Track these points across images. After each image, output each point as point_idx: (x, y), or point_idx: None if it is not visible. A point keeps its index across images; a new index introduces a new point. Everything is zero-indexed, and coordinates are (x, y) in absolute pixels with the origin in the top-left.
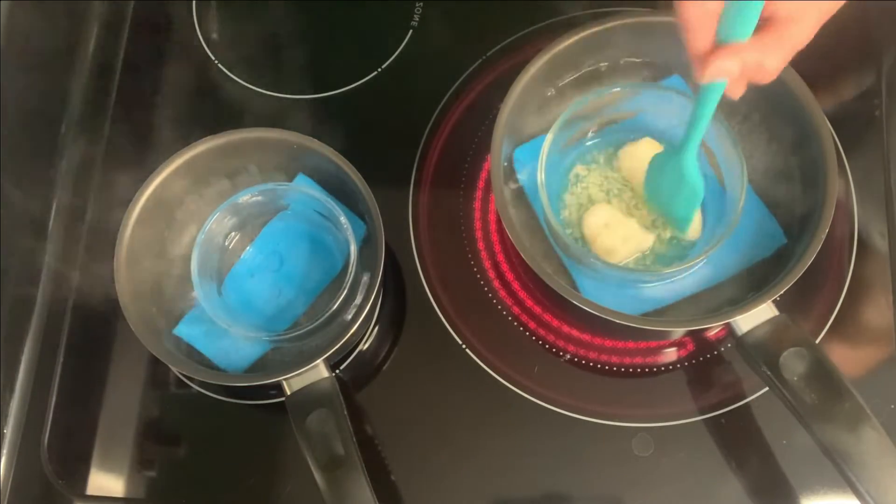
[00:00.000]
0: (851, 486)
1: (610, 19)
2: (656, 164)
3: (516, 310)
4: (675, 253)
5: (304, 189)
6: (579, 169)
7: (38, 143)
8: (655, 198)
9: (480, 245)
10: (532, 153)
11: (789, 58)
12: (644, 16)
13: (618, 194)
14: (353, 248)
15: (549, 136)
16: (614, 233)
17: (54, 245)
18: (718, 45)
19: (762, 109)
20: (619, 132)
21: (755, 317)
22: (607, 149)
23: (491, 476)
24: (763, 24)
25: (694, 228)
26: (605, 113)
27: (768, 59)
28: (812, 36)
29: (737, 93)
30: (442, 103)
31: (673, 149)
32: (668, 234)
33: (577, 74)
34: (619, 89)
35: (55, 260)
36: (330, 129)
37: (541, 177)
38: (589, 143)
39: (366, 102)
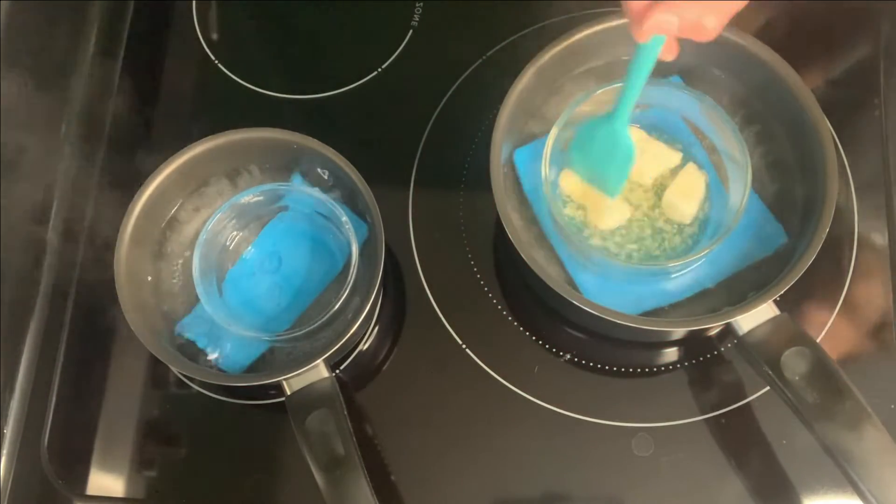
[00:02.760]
0: (853, 486)
1: (610, 19)
2: (587, 129)
3: (516, 310)
4: (675, 250)
5: (306, 189)
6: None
7: (39, 142)
8: (584, 163)
9: (481, 245)
10: (532, 154)
11: (728, 18)
12: None
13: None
14: (355, 248)
15: (553, 131)
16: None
17: (54, 245)
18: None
19: (762, 109)
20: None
21: (756, 316)
22: None
23: (491, 476)
24: None
25: (686, 213)
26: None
27: (707, 17)
28: None
29: (671, 54)
30: (442, 103)
31: (600, 119)
32: (667, 228)
33: (577, 74)
34: (621, 84)
35: (55, 260)
36: (330, 129)
37: (545, 171)
38: None
39: (366, 102)
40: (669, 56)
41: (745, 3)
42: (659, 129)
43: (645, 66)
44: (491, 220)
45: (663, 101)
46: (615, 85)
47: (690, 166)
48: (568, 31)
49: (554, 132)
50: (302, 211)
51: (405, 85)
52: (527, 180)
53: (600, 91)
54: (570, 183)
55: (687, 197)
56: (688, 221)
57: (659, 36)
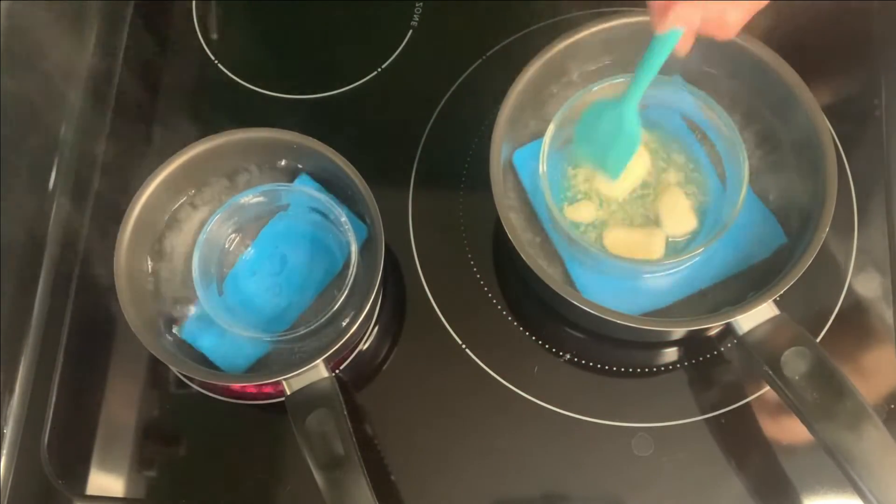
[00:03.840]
0: (853, 485)
1: (610, 19)
2: (593, 112)
3: (516, 310)
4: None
5: (305, 189)
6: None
7: (38, 143)
8: (588, 145)
9: (481, 245)
10: (532, 154)
11: (750, 15)
12: (644, 15)
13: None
14: (354, 249)
15: (551, 128)
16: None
17: (54, 245)
18: None
19: (762, 110)
20: None
21: (756, 316)
22: None
23: (491, 476)
24: None
25: (687, 222)
26: None
27: (730, 12)
28: None
29: (685, 48)
30: (442, 103)
31: (608, 102)
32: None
33: (577, 75)
34: (622, 80)
35: (55, 260)
36: (330, 129)
37: (542, 167)
38: None
39: (366, 102)
40: (683, 51)
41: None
42: (659, 128)
43: (659, 56)
44: (491, 220)
45: (663, 100)
46: (613, 81)
47: (671, 190)
48: (568, 32)
49: (551, 129)
50: (302, 211)
51: (405, 85)
52: (527, 180)
53: (597, 87)
54: (580, 213)
55: (680, 218)
56: (691, 229)
57: (677, 30)
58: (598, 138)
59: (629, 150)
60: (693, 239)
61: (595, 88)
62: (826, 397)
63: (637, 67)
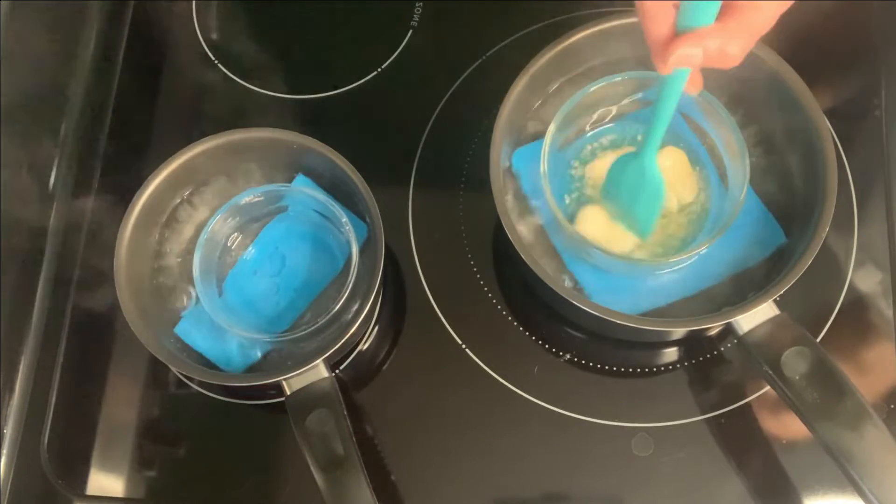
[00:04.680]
0: (854, 485)
1: (610, 19)
2: (618, 165)
3: (516, 310)
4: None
5: (306, 190)
6: (576, 165)
7: (39, 142)
8: (615, 200)
9: (481, 245)
10: (531, 155)
11: (753, 43)
12: None
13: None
14: (355, 249)
15: (552, 127)
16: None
17: (54, 245)
18: (680, 32)
19: (762, 109)
20: (618, 128)
21: (756, 316)
22: (602, 145)
23: (491, 476)
24: (724, 9)
25: (684, 196)
26: (603, 106)
27: (731, 45)
28: (775, 19)
29: (696, 89)
30: (442, 103)
31: (630, 155)
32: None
33: (577, 74)
34: (620, 78)
35: (55, 260)
36: (330, 129)
37: (543, 166)
38: (586, 139)
39: (366, 102)
40: (694, 91)
41: (770, 26)
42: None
43: (671, 100)
44: (491, 220)
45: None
46: (613, 79)
47: (667, 150)
48: (567, 32)
49: (552, 128)
50: (302, 211)
51: (405, 85)
52: (526, 180)
53: (597, 87)
54: (589, 224)
55: (676, 182)
56: (689, 200)
57: (681, 69)
58: (623, 194)
59: (655, 201)
60: (693, 238)
61: (593, 88)
62: (826, 397)
63: (651, 114)
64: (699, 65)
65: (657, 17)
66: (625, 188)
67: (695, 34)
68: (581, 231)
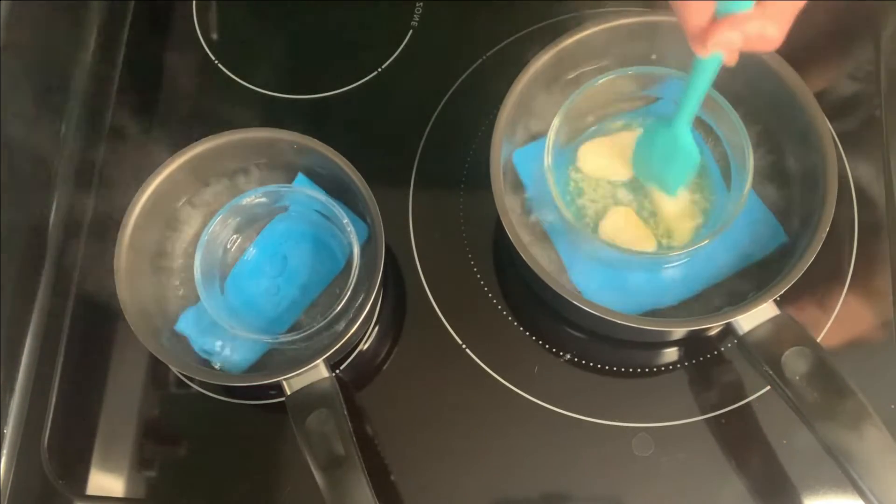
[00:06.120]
0: (854, 485)
1: (610, 19)
2: (646, 138)
3: (516, 310)
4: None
5: (306, 190)
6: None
7: (39, 143)
8: (646, 169)
9: (481, 245)
10: (532, 154)
11: (789, 24)
12: (644, 15)
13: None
14: (356, 249)
15: (556, 121)
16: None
17: (54, 245)
18: (719, 16)
19: (763, 110)
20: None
21: (756, 316)
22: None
23: (491, 476)
24: None
25: (685, 235)
26: (604, 105)
27: (770, 28)
28: None
29: (732, 61)
30: (442, 103)
31: (661, 124)
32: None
33: (577, 74)
34: (632, 72)
35: (55, 260)
36: (330, 129)
37: (548, 160)
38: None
39: (366, 102)
40: (731, 62)
41: (803, 4)
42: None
43: (706, 77)
44: (491, 220)
45: (670, 95)
46: (613, 75)
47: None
48: (568, 32)
49: (556, 122)
50: (302, 211)
51: (405, 85)
52: (527, 180)
53: (599, 83)
54: (588, 159)
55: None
56: (688, 238)
57: (718, 54)
58: (655, 159)
59: (688, 166)
60: (696, 235)
61: (600, 82)
62: (826, 397)
63: (684, 91)
64: (739, 48)
65: (697, 5)
66: (656, 155)
67: (735, 18)
68: (582, 228)
